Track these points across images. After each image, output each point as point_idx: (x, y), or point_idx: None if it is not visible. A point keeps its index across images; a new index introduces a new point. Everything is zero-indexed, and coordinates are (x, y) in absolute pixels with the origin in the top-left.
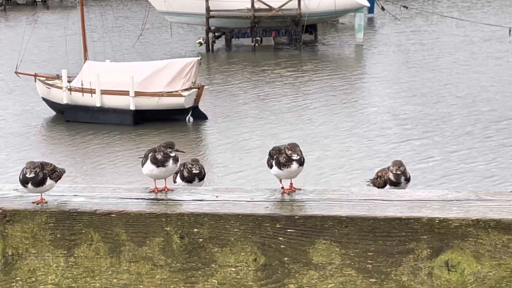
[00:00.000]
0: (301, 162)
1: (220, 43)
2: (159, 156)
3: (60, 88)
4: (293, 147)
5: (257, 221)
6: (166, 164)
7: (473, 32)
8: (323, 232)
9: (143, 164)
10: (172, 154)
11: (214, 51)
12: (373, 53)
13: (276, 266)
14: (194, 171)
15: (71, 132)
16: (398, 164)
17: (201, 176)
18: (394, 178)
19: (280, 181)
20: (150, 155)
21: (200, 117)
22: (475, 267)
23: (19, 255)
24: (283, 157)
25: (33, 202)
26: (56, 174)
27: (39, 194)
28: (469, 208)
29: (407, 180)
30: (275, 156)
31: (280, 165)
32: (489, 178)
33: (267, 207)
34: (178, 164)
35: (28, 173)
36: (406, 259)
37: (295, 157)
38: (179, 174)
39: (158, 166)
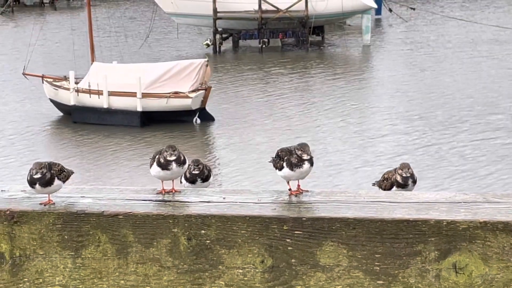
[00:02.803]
0: (311, 162)
1: (227, 44)
2: (161, 160)
3: (68, 89)
4: (303, 147)
5: (265, 222)
6: (169, 168)
7: (480, 34)
8: (330, 234)
9: (150, 166)
10: (171, 158)
11: (221, 53)
12: (380, 55)
13: (284, 268)
14: (193, 172)
15: (78, 133)
16: (406, 166)
17: (203, 177)
18: (402, 180)
19: (288, 183)
20: (157, 157)
21: (207, 118)
22: (482, 269)
23: (26, 256)
24: (294, 158)
25: (40, 203)
26: (64, 174)
27: (47, 195)
28: (477, 210)
29: (414, 182)
30: (285, 158)
31: (292, 166)
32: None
33: (275, 209)
34: (185, 166)
35: (35, 173)
36: (413, 261)
37: (305, 157)
38: (183, 175)
39: (163, 169)
